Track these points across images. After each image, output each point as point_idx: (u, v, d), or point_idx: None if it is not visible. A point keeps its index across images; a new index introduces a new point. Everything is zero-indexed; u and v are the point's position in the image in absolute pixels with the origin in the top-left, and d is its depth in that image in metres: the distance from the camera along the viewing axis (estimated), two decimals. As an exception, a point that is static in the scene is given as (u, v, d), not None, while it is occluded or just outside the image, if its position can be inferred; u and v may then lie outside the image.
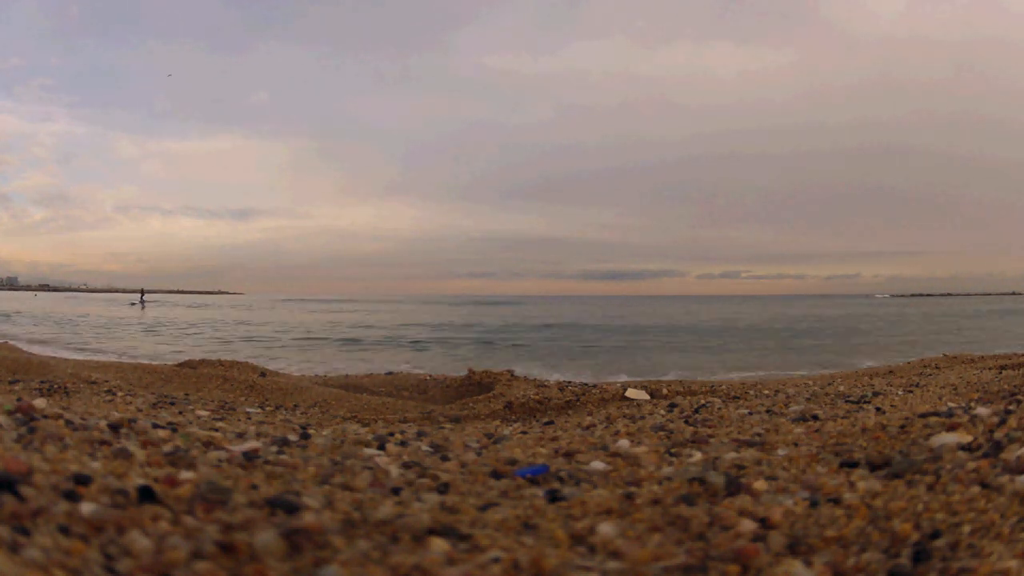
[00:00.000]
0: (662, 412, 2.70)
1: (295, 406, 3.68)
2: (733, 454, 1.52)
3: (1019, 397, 2.03)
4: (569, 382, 4.45)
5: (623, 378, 8.38)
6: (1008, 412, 1.61)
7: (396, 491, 1.22)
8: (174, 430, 1.61)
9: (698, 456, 1.53)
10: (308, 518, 0.96)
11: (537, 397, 3.54)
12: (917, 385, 3.36)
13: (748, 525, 1.06)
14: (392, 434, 2.05)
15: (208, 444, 1.47)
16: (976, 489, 1.14)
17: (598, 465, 1.46)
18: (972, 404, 2.00)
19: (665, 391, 3.63)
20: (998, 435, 1.41)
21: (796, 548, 0.99)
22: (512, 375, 4.74)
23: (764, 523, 1.07)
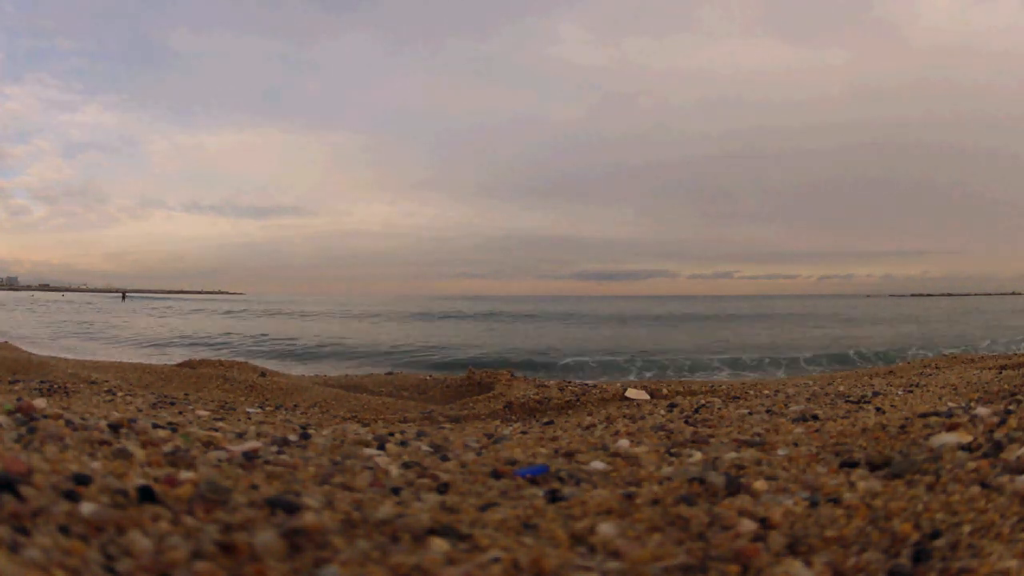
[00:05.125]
0: (662, 412, 2.70)
1: (295, 406, 3.68)
2: (733, 454, 1.52)
3: (1019, 397, 2.03)
4: (569, 382, 4.45)
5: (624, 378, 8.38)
6: (1008, 412, 1.61)
7: (396, 491, 1.22)
8: (174, 430, 1.61)
9: (698, 456, 1.53)
10: (308, 518, 0.96)
11: (537, 397, 3.54)
12: (917, 385, 3.36)
13: (748, 525, 1.06)
14: (392, 434, 2.05)
15: (208, 444, 1.47)
16: (976, 489, 1.14)
17: (598, 465, 1.46)
18: (972, 404, 2.00)
19: (665, 391, 3.62)
20: (998, 435, 1.41)
21: (796, 548, 0.99)
22: (512, 375, 4.74)
23: (764, 523, 1.07)
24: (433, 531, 0.99)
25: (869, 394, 2.89)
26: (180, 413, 2.56)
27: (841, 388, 3.36)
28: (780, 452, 1.54)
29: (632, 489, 1.26)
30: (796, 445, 1.61)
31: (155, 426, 1.63)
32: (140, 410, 2.64)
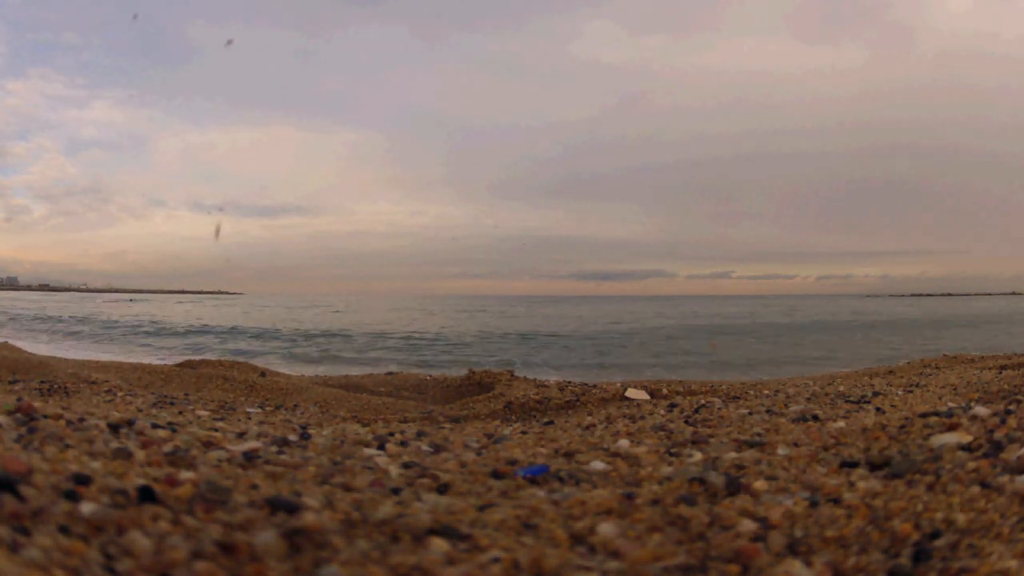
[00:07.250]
0: (662, 412, 2.70)
1: (295, 406, 3.68)
2: (733, 454, 1.52)
3: (1019, 397, 2.03)
4: (569, 382, 4.45)
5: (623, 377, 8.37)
6: (1008, 412, 1.61)
7: (396, 491, 1.22)
8: (174, 430, 1.61)
9: (698, 456, 1.53)
10: (308, 518, 0.96)
11: (537, 397, 3.54)
12: (917, 385, 3.36)
13: (748, 525, 1.06)
14: (392, 434, 2.05)
15: (208, 444, 1.47)
16: (976, 489, 1.14)
17: (598, 465, 1.46)
18: (972, 404, 2.00)
19: (665, 391, 3.62)
20: (998, 435, 1.41)
21: (796, 548, 0.99)
22: (512, 375, 4.74)
23: (764, 523, 1.07)
24: (433, 531, 0.99)
25: (869, 394, 2.89)
26: (180, 413, 2.56)
27: (841, 388, 3.36)
28: (780, 452, 1.54)
29: (632, 489, 1.26)
30: (796, 445, 1.61)
31: (155, 426, 1.63)
32: (140, 410, 2.64)
